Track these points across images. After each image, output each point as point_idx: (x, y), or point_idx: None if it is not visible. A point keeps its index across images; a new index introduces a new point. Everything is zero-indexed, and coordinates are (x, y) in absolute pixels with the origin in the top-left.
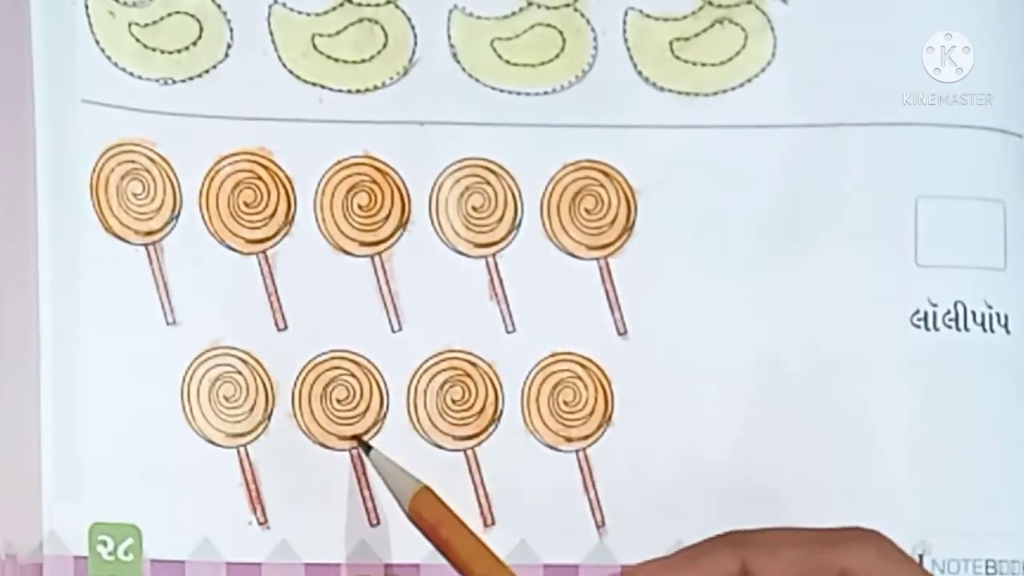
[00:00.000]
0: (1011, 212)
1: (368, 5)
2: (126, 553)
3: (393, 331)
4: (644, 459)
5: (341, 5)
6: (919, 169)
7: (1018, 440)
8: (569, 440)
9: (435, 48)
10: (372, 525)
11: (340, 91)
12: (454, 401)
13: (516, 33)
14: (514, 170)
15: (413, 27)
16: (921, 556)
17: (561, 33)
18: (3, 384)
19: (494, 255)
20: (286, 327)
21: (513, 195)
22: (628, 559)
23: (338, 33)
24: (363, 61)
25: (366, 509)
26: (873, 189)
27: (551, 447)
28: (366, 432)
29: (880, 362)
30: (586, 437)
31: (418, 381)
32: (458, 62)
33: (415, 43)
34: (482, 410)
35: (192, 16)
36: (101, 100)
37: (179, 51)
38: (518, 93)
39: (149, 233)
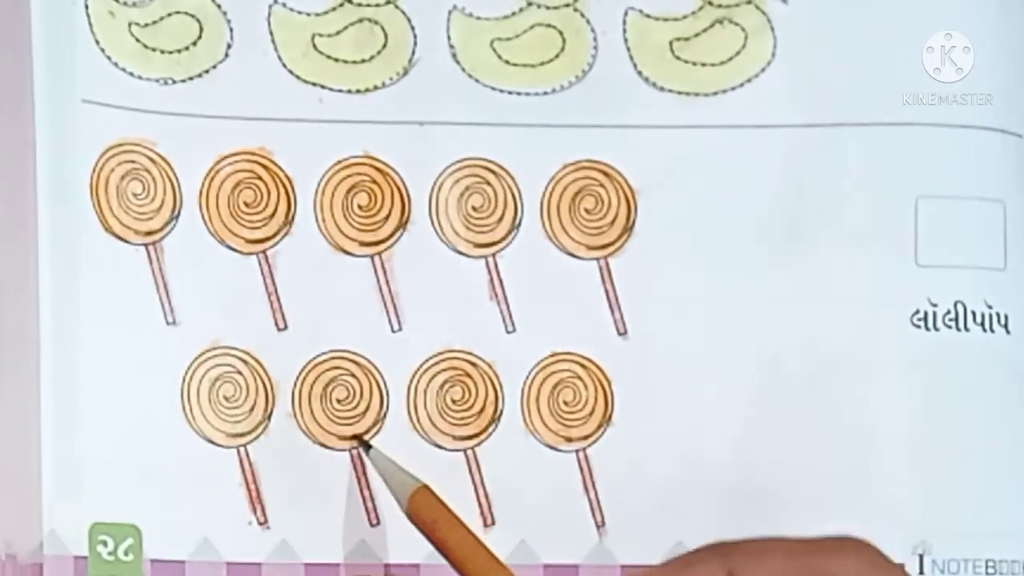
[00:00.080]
0: (1011, 212)
1: (368, 5)
2: (126, 553)
3: (393, 331)
4: (644, 459)
5: (341, 5)
6: (919, 169)
7: (1018, 440)
8: (569, 440)
9: (435, 48)
10: (372, 525)
11: (340, 91)
12: (454, 401)
13: (516, 33)
14: (514, 170)
15: (413, 27)
16: (921, 556)
17: (561, 33)
18: (3, 384)
19: (494, 255)
20: (286, 327)
21: (513, 195)
22: (628, 559)
23: (338, 33)
24: (363, 61)
25: (366, 509)
26: (873, 189)
27: (551, 447)
28: (366, 432)
29: (880, 362)
30: (586, 437)
31: (418, 381)
32: (458, 62)
33: (415, 43)
34: (482, 410)
35: (192, 16)
36: (101, 100)
37: (179, 51)
38: (518, 93)
39: (149, 233)
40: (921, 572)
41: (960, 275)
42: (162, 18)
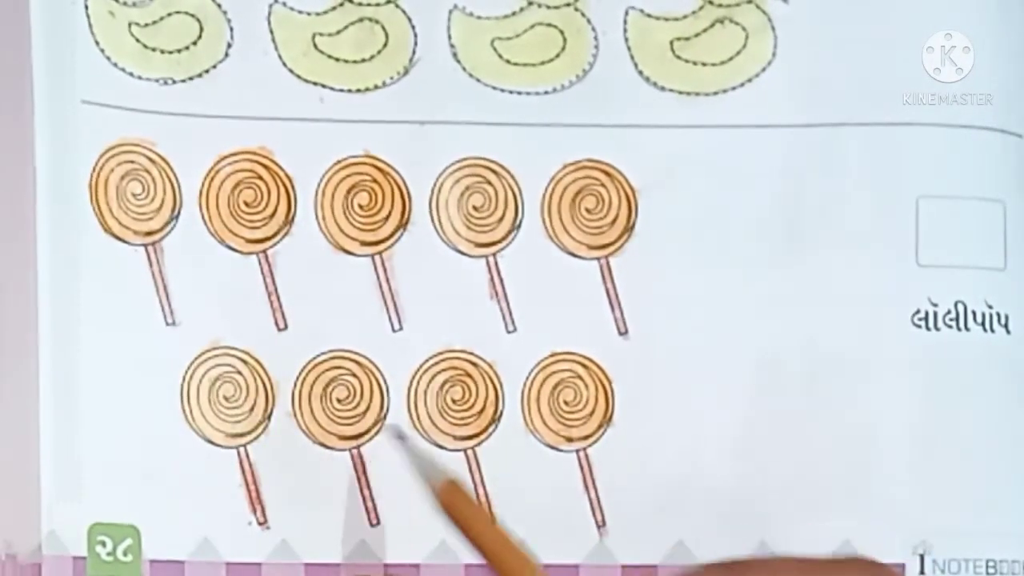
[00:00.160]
0: (1011, 212)
1: (368, 4)
2: (125, 553)
3: (393, 331)
4: (644, 459)
5: (341, 4)
6: (919, 169)
7: (1018, 440)
8: (569, 440)
9: (435, 48)
10: (372, 525)
11: (340, 90)
12: (454, 401)
13: (516, 33)
14: (515, 170)
15: (413, 27)
16: (922, 556)
17: (562, 33)
18: (3, 384)
19: (494, 255)
20: (286, 327)
21: (514, 195)
22: (628, 559)
23: (338, 32)
24: (363, 61)
25: (366, 509)
26: (873, 189)
27: (551, 447)
28: (366, 432)
29: (880, 362)
30: (586, 437)
31: (418, 381)
32: (458, 62)
33: (415, 43)
34: (482, 410)
35: (192, 16)
36: (101, 100)
37: (179, 51)
38: (518, 93)
39: (149, 233)
40: (921, 572)
41: (960, 275)
42: (162, 18)
